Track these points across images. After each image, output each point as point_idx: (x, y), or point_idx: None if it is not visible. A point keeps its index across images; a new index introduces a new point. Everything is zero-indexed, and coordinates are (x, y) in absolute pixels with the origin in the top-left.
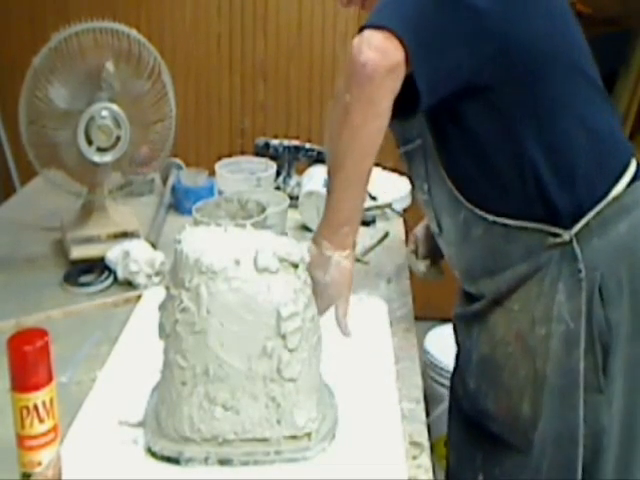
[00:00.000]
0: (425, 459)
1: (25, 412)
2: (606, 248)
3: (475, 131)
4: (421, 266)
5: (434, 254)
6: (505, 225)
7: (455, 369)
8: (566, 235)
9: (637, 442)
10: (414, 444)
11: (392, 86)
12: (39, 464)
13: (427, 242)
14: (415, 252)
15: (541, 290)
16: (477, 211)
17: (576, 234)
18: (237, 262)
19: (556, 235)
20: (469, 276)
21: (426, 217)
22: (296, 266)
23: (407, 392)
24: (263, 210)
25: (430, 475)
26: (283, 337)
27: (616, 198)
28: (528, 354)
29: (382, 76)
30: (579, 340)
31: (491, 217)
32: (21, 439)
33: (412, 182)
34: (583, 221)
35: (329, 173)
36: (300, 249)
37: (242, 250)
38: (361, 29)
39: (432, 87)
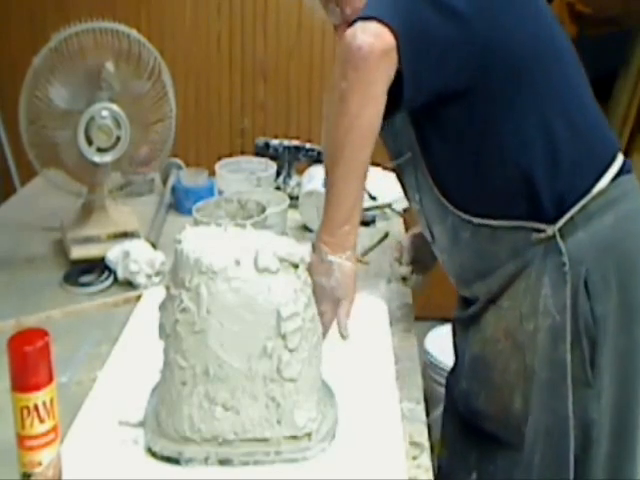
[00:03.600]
0: (425, 459)
1: (25, 412)
2: (591, 242)
3: (459, 133)
4: (403, 271)
5: (418, 263)
6: (490, 226)
7: (451, 370)
8: (550, 230)
9: (628, 435)
10: (414, 444)
11: (387, 69)
12: (39, 464)
13: (412, 250)
14: (399, 260)
15: (527, 285)
16: (463, 215)
17: (560, 229)
18: (237, 262)
19: (540, 231)
20: (462, 281)
21: (419, 225)
22: (296, 266)
23: (407, 392)
24: (263, 210)
25: (430, 475)
26: (283, 337)
27: (601, 192)
28: (518, 350)
29: (378, 57)
30: (565, 333)
31: (476, 220)
32: (21, 439)
33: (406, 194)
34: (567, 216)
35: (327, 169)
36: (300, 249)
37: (242, 250)
38: (352, 22)
39: (417, 80)
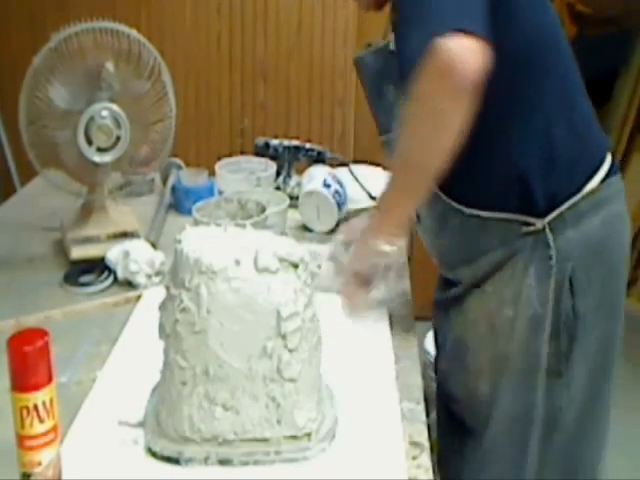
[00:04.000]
0: (425, 459)
1: (25, 412)
2: (579, 240)
3: None
4: (345, 259)
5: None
6: (480, 217)
7: (435, 357)
8: (539, 223)
9: (591, 423)
10: (414, 444)
11: None
12: (39, 464)
13: None
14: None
15: (513, 273)
16: (453, 204)
17: (549, 223)
18: (237, 262)
19: (529, 224)
20: (446, 263)
21: None
22: (296, 266)
23: (407, 392)
24: (263, 210)
25: (430, 475)
26: (283, 337)
27: (591, 192)
28: (493, 334)
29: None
30: (544, 325)
31: (467, 210)
32: (21, 439)
33: None
34: (557, 212)
35: (401, 171)
36: (300, 249)
37: (242, 250)
38: (436, 31)
39: None
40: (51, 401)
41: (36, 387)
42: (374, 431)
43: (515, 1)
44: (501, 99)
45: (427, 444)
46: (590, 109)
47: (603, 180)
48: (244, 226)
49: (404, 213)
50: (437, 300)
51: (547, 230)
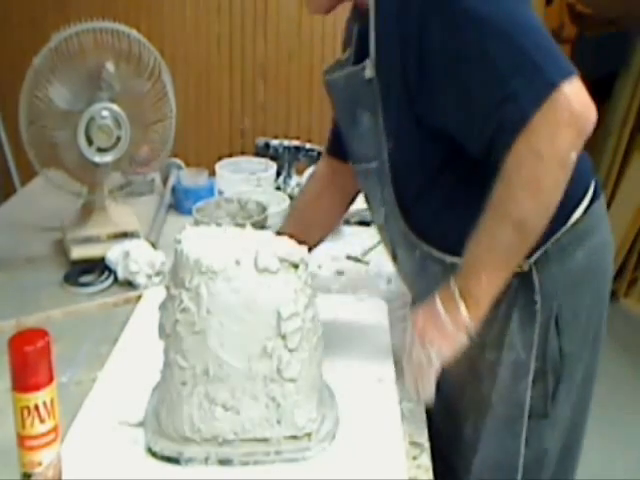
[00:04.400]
0: (425, 459)
1: (26, 412)
2: (564, 277)
3: (446, 164)
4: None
5: None
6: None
7: None
8: (525, 265)
9: (572, 457)
10: (414, 444)
11: None
12: (39, 464)
13: None
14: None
15: (495, 316)
16: (435, 252)
17: (535, 262)
18: (237, 262)
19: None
20: (423, 301)
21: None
22: (296, 266)
23: (407, 392)
24: (263, 210)
25: (430, 475)
26: (283, 337)
27: (574, 224)
28: (475, 378)
29: None
30: (528, 371)
31: (450, 259)
32: (22, 439)
33: (368, 201)
34: (542, 249)
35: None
36: (300, 249)
37: (242, 250)
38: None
39: None
40: (52, 401)
41: (37, 387)
42: (374, 431)
43: None
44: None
45: (427, 444)
46: None
47: (587, 208)
48: (244, 226)
49: (492, 296)
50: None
51: (534, 272)
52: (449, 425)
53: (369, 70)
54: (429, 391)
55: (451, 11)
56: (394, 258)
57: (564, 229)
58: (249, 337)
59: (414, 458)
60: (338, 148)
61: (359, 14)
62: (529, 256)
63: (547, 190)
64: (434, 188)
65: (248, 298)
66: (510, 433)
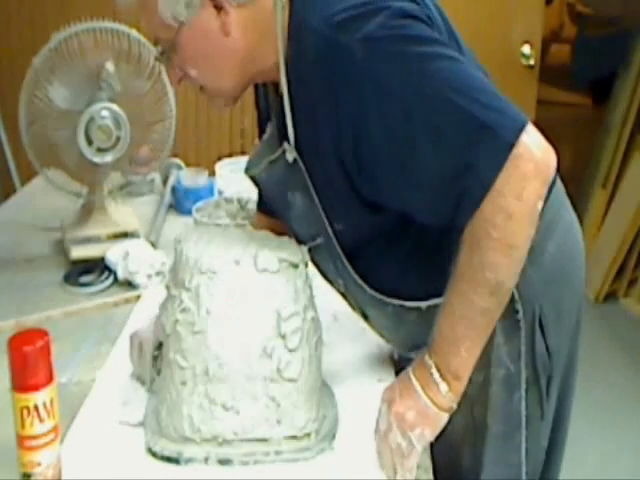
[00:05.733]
0: (425, 459)
1: (25, 412)
2: (540, 275)
3: (408, 233)
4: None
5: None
6: (440, 305)
7: None
8: None
9: (563, 446)
10: None
11: None
12: (39, 464)
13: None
14: (141, 359)
15: None
16: (407, 304)
17: None
18: (237, 262)
19: None
20: (405, 347)
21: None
22: (296, 266)
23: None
24: None
25: (430, 475)
26: (283, 337)
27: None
28: (465, 402)
29: None
30: (520, 382)
31: (424, 304)
32: (21, 439)
33: (322, 274)
34: None
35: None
36: (300, 249)
37: (242, 250)
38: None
39: None
40: (51, 401)
41: (36, 387)
42: (374, 431)
43: None
44: None
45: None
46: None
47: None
48: (244, 226)
49: (472, 365)
50: (401, 356)
51: None
52: (444, 458)
53: (289, 154)
54: (412, 475)
55: (386, 93)
56: (365, 317)
57: None
58: (249, 337)
59: None
60: (267, 206)
61: (267, 94)
62: None
63: (520, 247)
64: (393, 253)
65: (248, 298)
66: (511, 448)
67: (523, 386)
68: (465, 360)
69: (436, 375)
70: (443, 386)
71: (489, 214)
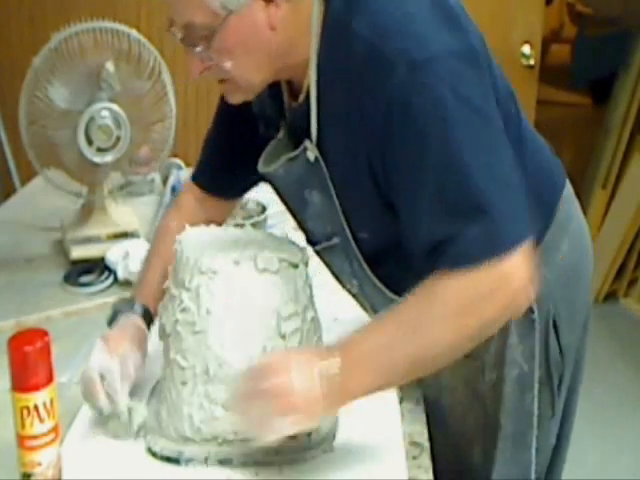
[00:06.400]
0: (425, 459)
1: (25, 412)
2: (554, 276)
3: None
4: (135, 415)
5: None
6: None
7: None
8: None
9: (565, 442)
10: (414, 444)
11: None
12: (39, 464)
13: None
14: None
15: (491, 335)
16: None
17: None
18: (237, 262)
19: None
20: None
21: None
22: (296, 266)
23: (407, 392)
24: (263, 210)
25: (430, 475)
26: (283, 337)
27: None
28: (478, 400)
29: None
30: (533, 382)
31: None
32: (21, 439)
33: (334, 275)
34: None
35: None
36: (300, 249)
37: (242, 250)
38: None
39: None
40: (51, 401)
41: (36, 387)
42: (374, 431)
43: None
44: None
45: (427, 444)
46: (534, 139)
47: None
48: (244, 226)
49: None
50: None
51: None
52: (453, 455)
53: (310, 152)
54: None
55: (410, 123)
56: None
57: (548, 233)
58: (249, 337)
59: (414, 458)
60: (209, 177)
61: (288, 92)
62: None
63: (440, 342)
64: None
65: (248, 298)
66: (522, 447)
67: (536, 386)
68: (366, 390)
69: (336, 382)
70: (339, 397)
71: (449, 296)
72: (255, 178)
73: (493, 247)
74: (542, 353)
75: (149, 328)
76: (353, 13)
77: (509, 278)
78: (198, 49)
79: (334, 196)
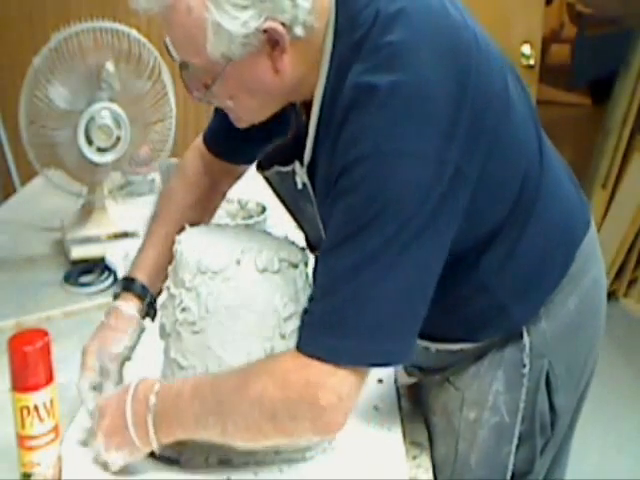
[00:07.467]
0: (425, 459)
1: (25, 412)
2: (555, 332)
3: None
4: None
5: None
6: (451, 351)
7: None
8: (515, 328)
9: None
10: (414, 444)
11: None
12: (39, 464)
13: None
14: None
15: (478, 371)
16: (419, 342)
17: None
18: (237, 262)
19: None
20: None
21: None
22: (296, 266)
23: (407, 392)
24: (263, 210)
25: (430, 475)
26: (283, 337)
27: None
28: (451, 434)
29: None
30: (512, 436)
31: (434, 346)
32: (21, 439)
33: None
34: (534, 314)
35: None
36: (300, 249)
37: (242, 250)
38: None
39: None
40: (51, 401)
41: (36, 387)
42: (374, 431)
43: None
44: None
45: (427, 444)
46: (566, 179)
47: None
48: (244, 226)
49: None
50: None
51: (524, 333)
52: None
53: (299, 178)
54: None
55: (355, 187)
56: None
57: (558, 289)
58: (249, 337)
59: (414, 458)
60: (219, 140)
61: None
62: (522, 322)
63: (260, 439)
64: None
65: (248, 298)
66: None
67: (515, 441)
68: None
69: (151, 428)
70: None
71: (270, 385)
72: (265, 146)
73: (326, 348)
74: (528, 409)
75: (153, 300)
76: (356, 58)
77: (324, 394)
78: (196, 94)
79: (320, 224)
